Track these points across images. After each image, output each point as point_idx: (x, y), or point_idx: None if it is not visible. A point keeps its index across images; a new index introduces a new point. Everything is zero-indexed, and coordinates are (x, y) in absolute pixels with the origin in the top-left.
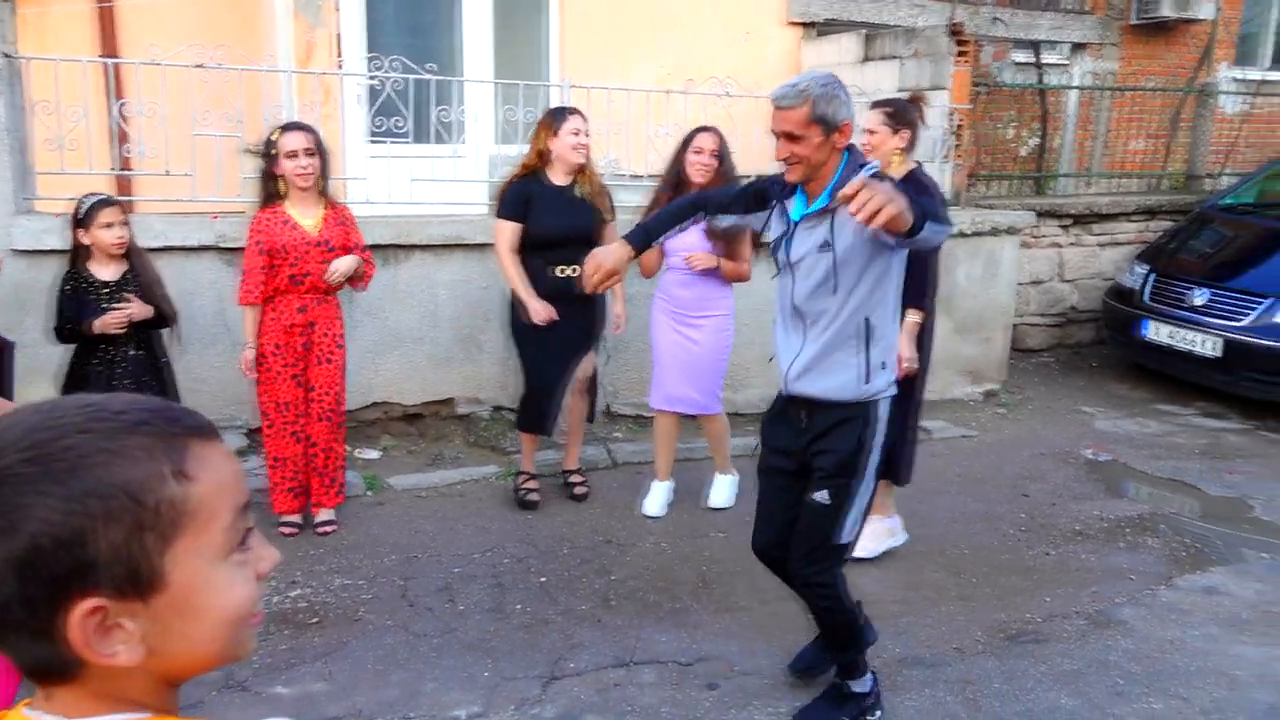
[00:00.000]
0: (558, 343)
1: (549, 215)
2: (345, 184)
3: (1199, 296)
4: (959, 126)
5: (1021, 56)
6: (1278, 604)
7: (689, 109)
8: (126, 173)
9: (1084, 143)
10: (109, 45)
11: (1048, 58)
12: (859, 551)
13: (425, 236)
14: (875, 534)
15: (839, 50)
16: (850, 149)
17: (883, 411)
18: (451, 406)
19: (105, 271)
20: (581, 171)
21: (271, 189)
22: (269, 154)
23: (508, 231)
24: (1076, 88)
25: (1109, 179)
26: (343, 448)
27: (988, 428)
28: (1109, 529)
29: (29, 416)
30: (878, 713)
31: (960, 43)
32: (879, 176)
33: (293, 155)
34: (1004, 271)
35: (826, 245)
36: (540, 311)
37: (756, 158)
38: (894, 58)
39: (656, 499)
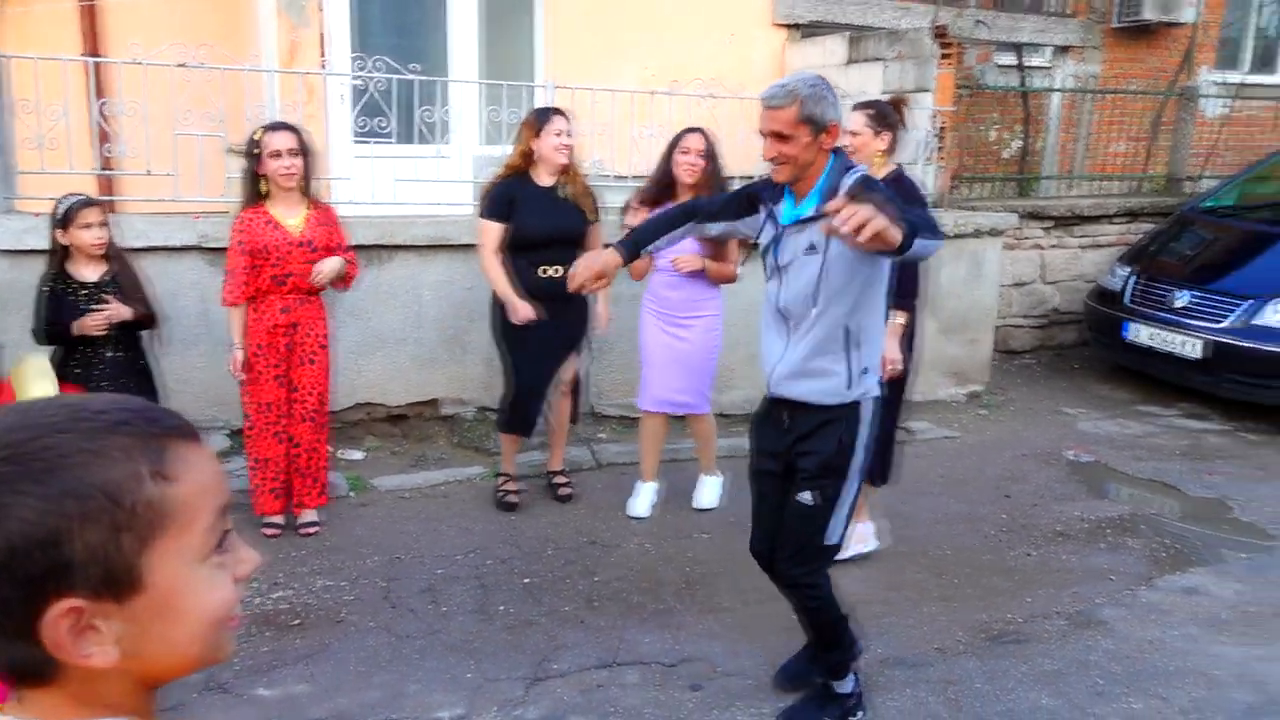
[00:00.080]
0: (542, 344)
1: (534, 216)
2: (330, 184)
3: (1180, 298)
4: (943, 128)
5: (1005, 59)
6: (1256, 604)
7: (674, 110)
8: (108, 172)
9: (1067, 145)
10: (92, 44)
11: (1031, 60)
12: None
13: (410, 237)
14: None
15: (824, 52)
16: (837, 150)
17: (866, 413)
18: (436, 407)
19: (86, 272)
20: (566, 172)
21: (255, 189)
22: (253, 153)
23: (492, 232)
24: (1059, 90)
25: (1091, 181)
26: (326, 448)
27: (971, 429)
28: (1090, 530)
29: (8, 416)
30: (860, 713)
31: (944, 45)
32: (868, 180)
33: (277, 155)
34: (988, 273)
35: (814, 249)
36: (523, 311)
37: (741, 159)
38: (878, 60)
39: (642, 500)
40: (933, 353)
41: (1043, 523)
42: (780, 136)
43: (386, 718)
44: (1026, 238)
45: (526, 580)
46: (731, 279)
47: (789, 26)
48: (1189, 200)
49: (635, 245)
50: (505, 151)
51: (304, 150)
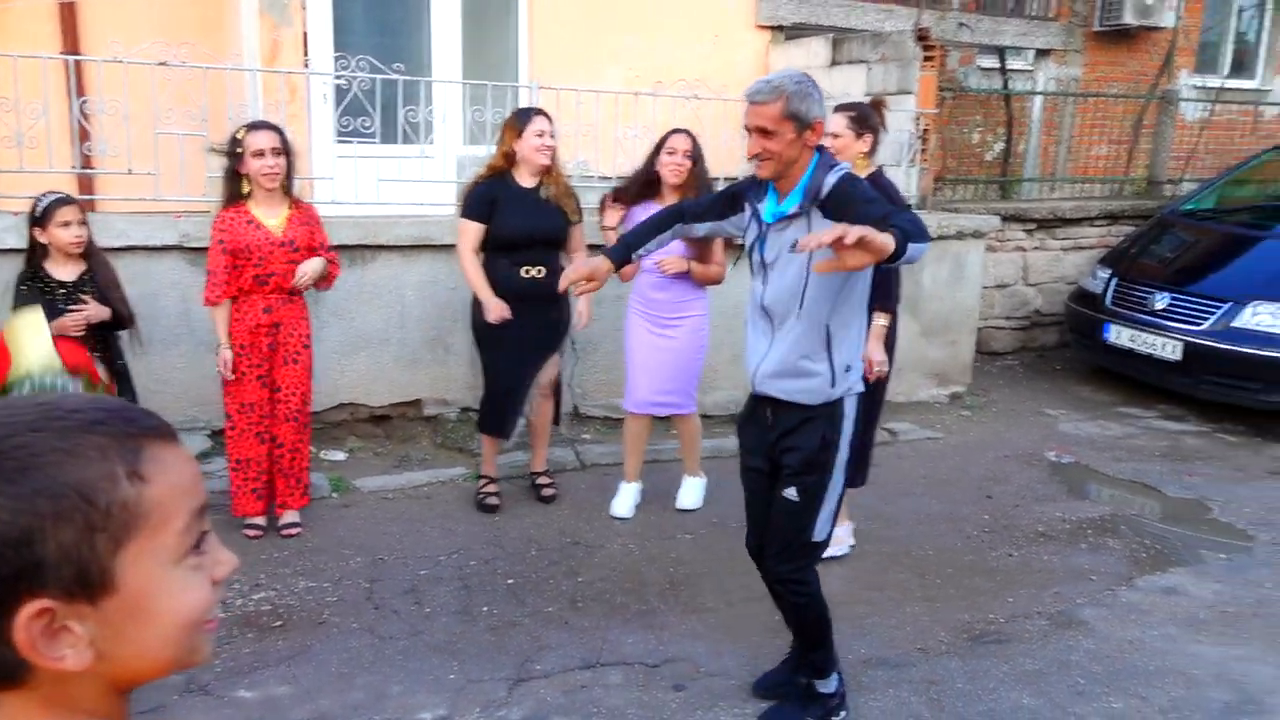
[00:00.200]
0: (521, 344)
1: (515, 216)
2: (312, 184)
3: (1160, 301)
4: (925, 131)
5: (987, 62)
6: (1235, 604)
7: (658, 111)
8: (88, 171)
9: (1048, 148)
10: (71, 42)
11: (1013, 63)
12: None
13: (393, 237)
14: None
15: (807, 54)
16: (821, 148)
17: (849, 409)
18: (419, 408)
19: (63, 271)
20: (548, 173)
21: (236, 188)
22: (235, 152)
23: (470, 231)
24: (1041, 93)
25: (1073, 184)
26: (308, 449)
27: (953, 430)
28: (1071, 530)
29: None
30: (843, 713)
31: (927, 48)
32: (850, 178)
33: (259, 154)
34: (970, 275)
35: (797, 246)
36: (496, 310)
37: (725, 160)
38: (861, 62)
39: (625, 500)
40: (915, 354)
41: (1024, 523)
42: (764, 132)
43: (369, 719)
44: (1009, 240)
45: (510, 581)
46: (718, 280)
47: (773, 28)
48: (1169, 203)
49: (626, 249)
50: (489, 152)
51: (286, 150)
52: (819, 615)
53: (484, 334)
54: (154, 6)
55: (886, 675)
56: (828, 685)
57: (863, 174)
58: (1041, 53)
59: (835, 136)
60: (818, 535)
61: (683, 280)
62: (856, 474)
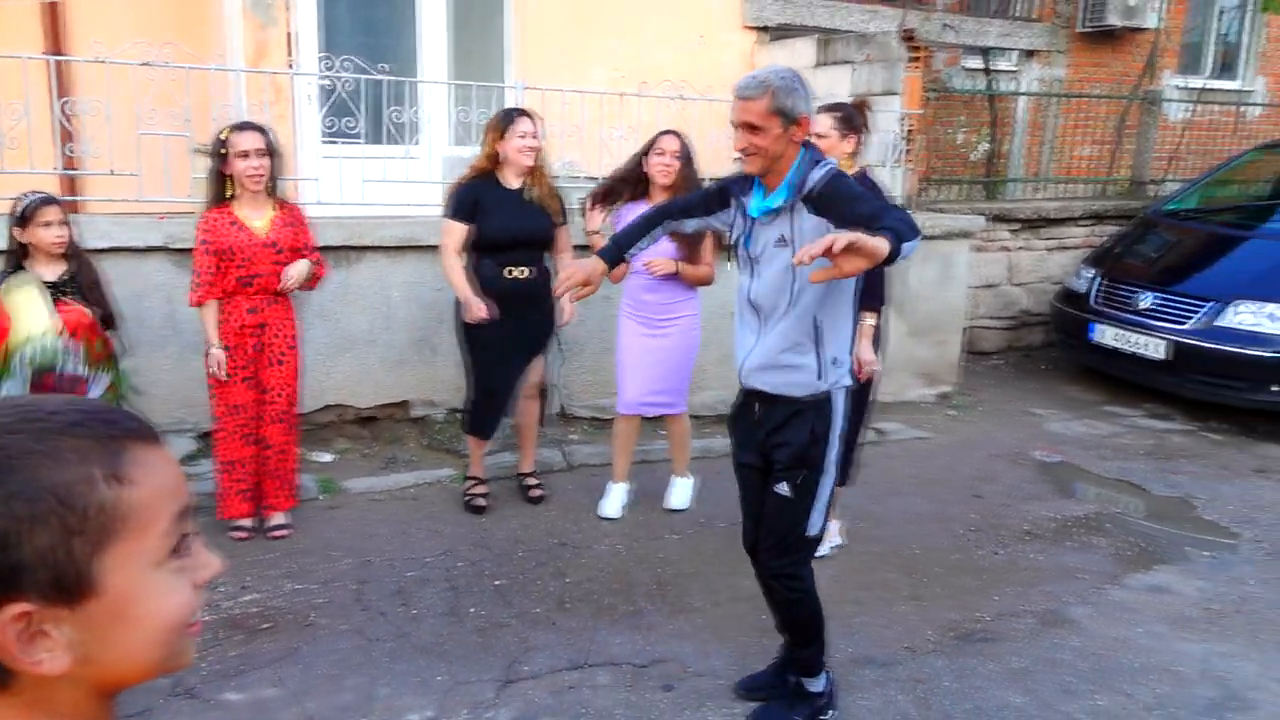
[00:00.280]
0: (506, 345)
1: (499, 217)
2: (298, 185)
3: (1145, 300)
4: (911, 131)
5: (972, 63)
6: (1220, 601)
7: (644, 112)
8: (71, 172)
9: (1033, 148)
10: (54, 42)
11: (998, 64)
12: None
13: (379, 238)
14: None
15: (793, 55)
16: (807, 144)
17: (838, 403)
18: (406, 409)
19: (46, 272)
20: (533, 174)
21: (221, 189)
22: (219, 153)
23: (454, 232)
24: (1026, 94)
25: (1058, 184)
26: (296, 450)
27: (941, 429)
28: (1058, 529)
29: None
30: (831, 712)
31: (912, 49)
32: (837, 174)
33: (244, 155)
34: (957, 275)
35: (784, 241)
36: (476, 310)
37: (712, 160)
38: (847, 63)
39: (613, 501)
40: (903, 354)
41: (1012, 522)
42: (751, 127)
43: None
44: (994, 240)
45: (497, 582)
46: (707, 281)
47: (758, 29)
48: (1153, 203)
49: (618, 249)
50: (475, 152)
51: (271, 151)
52: (812, 612)
53: (468, 335)
54: (137, 6)
55: (874, 674)
56: (817, 684)
57: (848, 174)
58: (1026, 53)
59: (821, 137)
60: (812, 530)
61: (673, 281)
62: (841, 473)
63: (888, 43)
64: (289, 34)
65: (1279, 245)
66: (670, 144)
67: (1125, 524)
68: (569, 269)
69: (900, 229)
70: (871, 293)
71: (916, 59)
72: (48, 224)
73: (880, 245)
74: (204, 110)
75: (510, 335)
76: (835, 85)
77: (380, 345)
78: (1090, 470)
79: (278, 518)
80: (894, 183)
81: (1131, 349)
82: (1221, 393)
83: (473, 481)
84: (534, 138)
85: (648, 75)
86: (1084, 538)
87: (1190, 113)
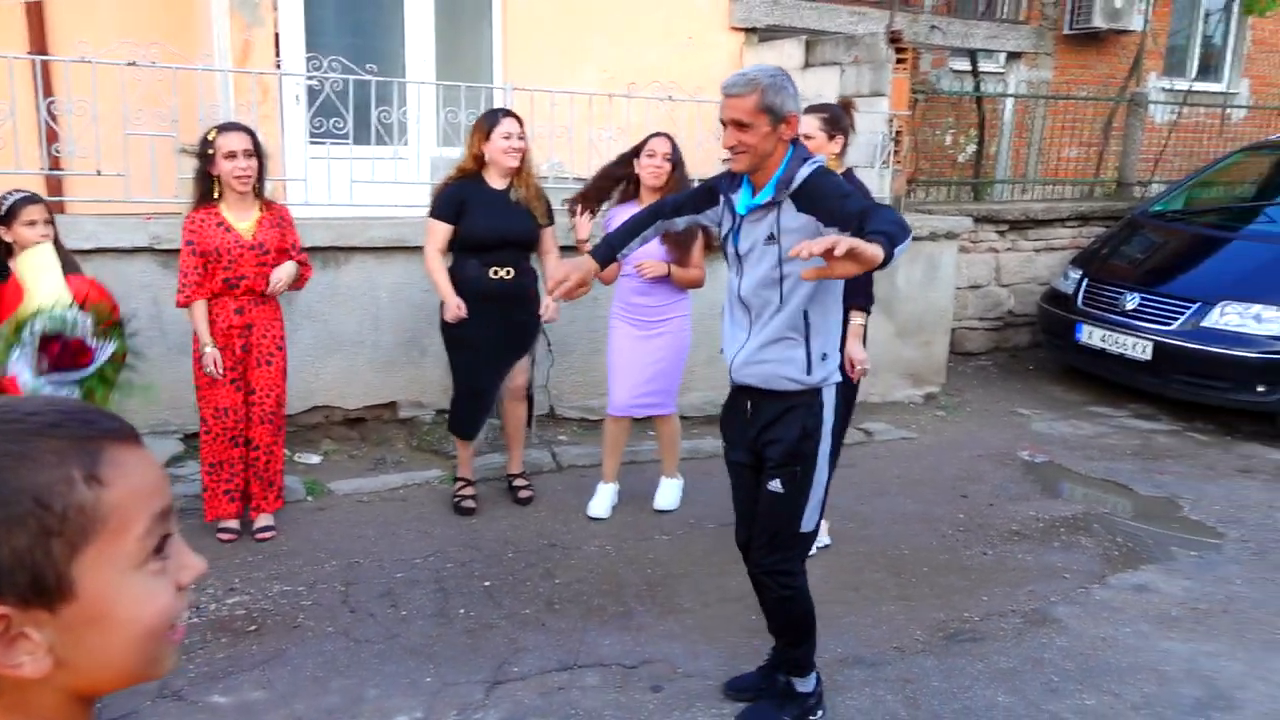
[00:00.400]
0: (489, 346)
1: (484, 218)
2: (284, 185)
3: (1130, 301)
4: (898, 132)
5: (959, 64)
6: (1205, 601)
7: (632, 113)
8: (57, 172)
9: (1020, 150)
10: (39, 42)
11: (985, 66)
12: None
13: (366, 239)
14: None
15: (781, 56)
16: (795, 142)
17: (828, 398)
18: (394, 410)
19: None
20: (518, 175)
21: (207, 190)
22: (206, 154)
23: (438, 232)
24: (1012, 96)
25: (1044, 185)
26: (283, 451)
27: (927, 430)
28: (1045, 529)
29: None
30: (820, 712)
31: (899, 50)
32: (823, 172)
33: (231, 156)
34: (943, 276)
35: (772, 238)
36: (453, 309)
37: (699, 161)
38: (835, 64)
39: (602, 501)
40: (890, 355)
41: (998, 522)
42: (740, 125)
43: None
44: (981, 241)
45: (486, 583)
46: (697, 283)
47: (746, 30)
48: (1138, 204)
49: (610, 250)
50: (463, 153)
51: (258, 152)
52: (804, 610)
53: (451, 334)
54: (122, 6)
55: (862, 674)
56: (806, 684)
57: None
58: (1013, 55)
59: (807, 138)
60: (805, 526)
61: (664, 284)
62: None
63: (875, 44)
64: (275, 34)
65: (1264, 246)
66: (661, 146)
67: (1111, 524)
68: (561, 269)
69: (892, 231)
70: (859, 292)
71: (904, 60)
72: (31, 223)
73: (876, 254)
74: (190, 111)
75: (494, 336)
76: (823, 86)
77: (368, 346)
78: (1076, 470)
79: (264, 519)
80: (881, 184)
81: (1117, 350)
82: (1206, 393)
83: (461, 483)
84: (518, 138)
85: (636, 76)
86: (1070, 538)
87: (1175, 115)
